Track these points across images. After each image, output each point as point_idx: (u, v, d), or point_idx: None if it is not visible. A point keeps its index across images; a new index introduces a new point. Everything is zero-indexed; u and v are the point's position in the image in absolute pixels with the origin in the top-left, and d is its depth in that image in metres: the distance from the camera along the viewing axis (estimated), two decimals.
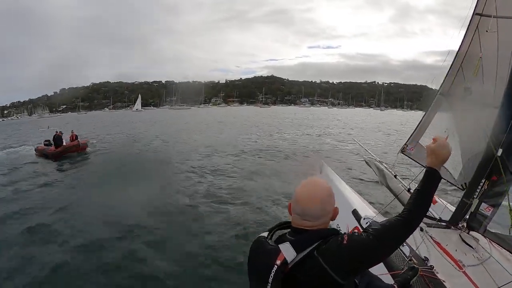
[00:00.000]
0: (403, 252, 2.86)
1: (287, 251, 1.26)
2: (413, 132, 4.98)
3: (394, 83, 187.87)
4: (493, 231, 3.27)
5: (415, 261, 2.76)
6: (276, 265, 1.23)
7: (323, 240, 1.31)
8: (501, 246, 3.22)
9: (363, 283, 1.96)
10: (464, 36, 4.01)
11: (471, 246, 3.40)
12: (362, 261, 1.32)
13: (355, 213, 3.47)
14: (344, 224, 3.55)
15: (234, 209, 8.26)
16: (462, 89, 3.87)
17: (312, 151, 18.62)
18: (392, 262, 2.76)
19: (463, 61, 3.96)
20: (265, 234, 1.45)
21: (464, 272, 2.90)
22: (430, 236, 3.35)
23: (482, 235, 3.35)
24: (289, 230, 1.44)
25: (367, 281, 2.11)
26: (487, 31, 3.83)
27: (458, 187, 4.04)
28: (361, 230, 3.08)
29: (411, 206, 1.42)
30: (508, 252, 3.17)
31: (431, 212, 4.24)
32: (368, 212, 3.59)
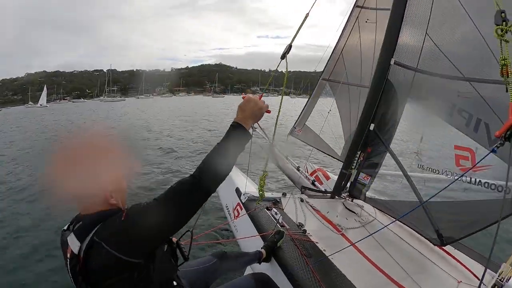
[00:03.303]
0: (275, 218, 3.16)
1: (72, 243, 1.15)
2: (300, 115, 5.38)
3: None
4: (371, 197, 3.69)
5: (287, 226, 3.06)
6: (68, 259, 1.16)
7: (103, 223, 1.16)
8: (379, 209, 3.71)
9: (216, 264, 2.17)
10: (345, 26, 4.43)
11: (354, 213, 3.82)
12: (147, 232, 1.15)
13: (237, 190, 3.72)
14: (231, 203, 3.87)
15: None
16: (343, 72, 4.29)
17: None
18: (262, 226, 3.04)
19: (343, 48, 4.38)
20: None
21: (342, 234, 3.24)
22: (311, 206, 3.69)
23: (364, 201, 3.77)
24: None
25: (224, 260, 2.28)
26: (366, 22, 4.29)
27: (342, 162, 4.34)
28: (242, 205, 3.46)
29: (203, 162, 1.27)
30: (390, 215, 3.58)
31: (318, 186, 4.73)
32: (250, 189, 3.84)
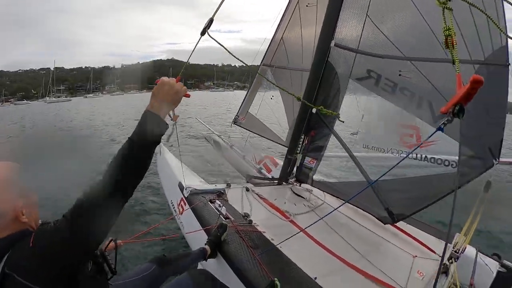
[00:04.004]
0: (218, 211, 3.02)
1: None
2: (242, 103, 5.32)
3: None
4: (319, 180, 3.67)
5: (231, 217, 2.95)
6: None
7: (12, 250, 0.99)
8: (327, 192, 3.67)
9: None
10: (285, 11, 4.37)
11: (303, 197, 3.78)
12: (60, 255, 0.99)
13: (180, 185, 3.58)
14: (175, 198, 3.71)
15: None
16: (284, 58, 4.25)
17: None
18: (205, 220, 2.91)
19: (284, 33, 4.33)
20: None
21: (291, 221, 3.18)
22: (257, 195, 3.60)
23: (311, 185, 3.73)
24: None
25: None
26: (307, 6, 4.25)
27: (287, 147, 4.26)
28: (185, 200, 3.32)
29: (110, 163, 1.08)
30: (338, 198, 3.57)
31: (266, 174, 4.68)
32: (193, 182, 3.75)
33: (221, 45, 2.47)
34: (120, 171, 1.07)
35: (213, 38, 2.33)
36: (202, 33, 2.30)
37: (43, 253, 0.98)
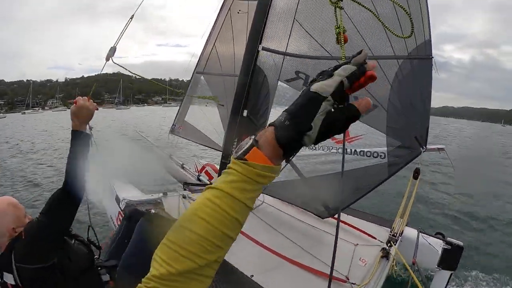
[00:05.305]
0: None
1: (7, 278, 1.37)
2: (178, 112, 5.31)
3: None
4: None
5: None
6: None
7: (14, 249, 1.39)
8: (265, 193, 3.71)
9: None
10: (217, 18, 4.44)
11: None
12: (45, 238, 1.42)
13: (116, 199, 3.56)
14: (113, 213, 3.67)
15: None
16: (217, 64, 4.30)
17: None
18: None
19: (216, 39, 4.39)
20: None
21: None
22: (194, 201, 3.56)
23: None
24: None
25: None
26: (238, 13, 4.33)
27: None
28: (121, 212, 3.27)
29: (65, 171, 1.51)
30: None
31: (204, 181, 4.71)
32: (130, 193, 3.72)
33: (126, 69, 2.68)
34: (72, 177, 1.50)
35: (117, 64, 2.56)
36: (107, 59, 2.48)
37: (32, 238, 1.40)
